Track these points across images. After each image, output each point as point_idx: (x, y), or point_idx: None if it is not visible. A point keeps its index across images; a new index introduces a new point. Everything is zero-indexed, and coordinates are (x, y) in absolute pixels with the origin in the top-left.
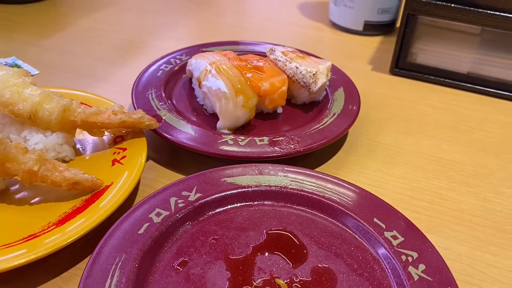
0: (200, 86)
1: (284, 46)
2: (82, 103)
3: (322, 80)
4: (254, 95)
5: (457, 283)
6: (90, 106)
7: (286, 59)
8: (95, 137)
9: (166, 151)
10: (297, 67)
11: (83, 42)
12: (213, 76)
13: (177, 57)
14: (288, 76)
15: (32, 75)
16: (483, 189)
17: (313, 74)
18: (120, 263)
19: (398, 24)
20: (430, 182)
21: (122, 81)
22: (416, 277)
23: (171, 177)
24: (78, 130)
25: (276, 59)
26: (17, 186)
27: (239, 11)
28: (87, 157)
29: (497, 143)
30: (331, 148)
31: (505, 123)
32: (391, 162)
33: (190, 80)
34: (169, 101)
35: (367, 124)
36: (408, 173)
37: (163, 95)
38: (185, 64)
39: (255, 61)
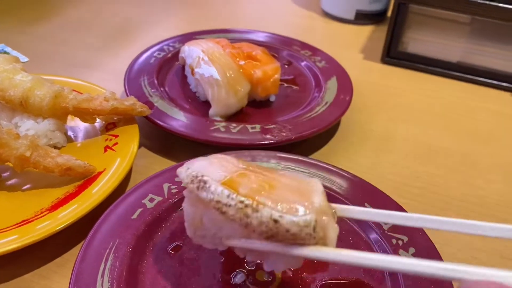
0: (192, 73)
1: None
2: (73, 90)
3: (333, 231)
4: (246, 83)
5: None
6: (81, 93)
7: (236, 202)
8: (87, 124)
9: (158, 138)
10: (275, 221)
11: (74, 30)
12: (205, 63)
13: (170, 44)
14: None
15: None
16: (471, 175)
17: (313, 229)
18: (114, 248)
19: (389, 13)
20: (420, 168)
21: (113, 69)
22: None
23: (163, 164)
24: (69, 117)
25: (220, 203)
26: (8, 173)
27: (231, 0)
28: (79, 144)
29: (486, 131)
30: (323, 136)
31: (494, 112)
32: (382, 149)
33: (183, 67)
34: (161, 88)
35: (358, 112)
36: (399, 160)
37: (156, 82)
38: (178, 52)
39: (248, 49)
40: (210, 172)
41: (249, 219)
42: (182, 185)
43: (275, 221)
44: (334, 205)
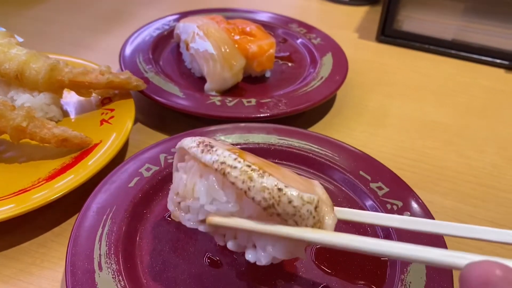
0: (187, 48)
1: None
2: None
3: (332, 220)
4: (241, 57)
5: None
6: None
7: (243, 165)
8: (83, 99)
9: (154, 114)
10: (280, 189)
11: (67, 11)
12: (200, 38)
13: (166, 22)
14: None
15: None
16: (466, 147)
17: (315, 208)
18: (111, 214)
19: None
20: (415, 141)
21: (108, 49)
22: None
23: (159, 138)
24: (65, 92)
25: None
26: (3, 146)
27: None
28: (75, 118)
29: (480, 106)
30: (319, 111)
31: (488, 88)
32: (377, 124)
33: (178, 45)
34: (156, 65)
35: (354, 89)
36: (394, 134)
37: (151, 58)
38: (173, 30)
39: (243, 25)
40: (217, 144)
41: (252, 182)
42: (179, 147)
43: (279, 189)
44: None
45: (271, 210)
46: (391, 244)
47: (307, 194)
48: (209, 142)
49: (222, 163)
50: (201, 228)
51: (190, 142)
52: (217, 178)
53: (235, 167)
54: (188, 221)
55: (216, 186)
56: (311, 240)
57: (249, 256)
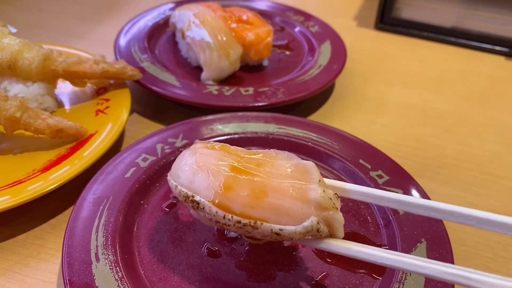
0: (183, 37)
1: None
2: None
3: (338, 222)
4: (238, 46)
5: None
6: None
7: (234, 222)
8: (78, 89)
9: (150, 104)
10: (277, 233)
11: (62, 1)
12: (196, 26)
13: (161, 11)
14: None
15: None
16: (466, 135)
17: (317, 230)
18: (108, 205)
19: None
20: (415, 129)
21: (102, 39)
22: (401, 212)
23: (155, 129)
24: (60, 82)
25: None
26: None
27: None
28: (70, 108)
29: (480, 94)
30: (318, 99)
31: (487, 75)
32: (377, 112)
33: (174, 34)
34: (152, 54)
35: (352, 77)
36: (393, 122)
37: (146, 47)
38: (169, 19)
39: (240, 13)
40: (198, 186)
41: (251, 233)
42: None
43: (277, 233)
44: (333, 182)
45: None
46: (401, 259)
47: (303, 225)
48: (193, 197)
49: (217, 222)
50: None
51: (178, 196)
52: None
53: (229, 225)
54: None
55: None
56: (320, 248)
57: None
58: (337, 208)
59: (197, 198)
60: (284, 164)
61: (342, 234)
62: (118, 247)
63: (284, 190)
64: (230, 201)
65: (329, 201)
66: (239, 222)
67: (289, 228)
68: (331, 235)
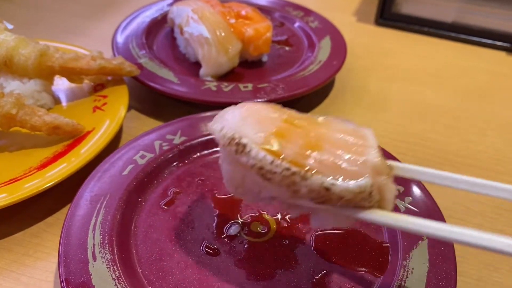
0: (181, 33)
1: None
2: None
3: (390, 192)
4: (237, 41)
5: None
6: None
7: (282, 169)
8: (75, 86)
9: (148, 101)
10: (327, 189)
11: None
12: (195, 22)
13: (159, 7)
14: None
15: None
16: (467, 131)
17: (369, 194)
18: (105, 202)
19: None
20: (416, 126)
21: (100, 35)
22: (403, 208)
23: (153, 125)
24: (56, 79)
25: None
26: None
27: None
28: (67, 105)
29: (481, 89)
30: (318, 95)
31: (488, 71)
32: (377, 108)
33: (172, 30)
34: (150, 50)
35: (353, 73)
36: (394, 118)
37: (144, 43)
38: (167, 15)
39: (239, 8)
40: (247, 131)
41: (297, 186)
42: (215, 138)
43: (327, 189)
44: (389, 162)
45: (325, 203)
46: (447, 228)
47: (358, 183)
48: (240, 139)
49: (260, 168)
50: (264, 202)
51: (221, 139)
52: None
53: (275, 172)
54: (250, 200)
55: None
56: (366, 220)
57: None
58: (391, 177)
59: (244, 140)
60: (341, 126)
61: (391, 205)
62: (115, 246)
63: (342, 146)
64: (282, 147)
65: (386, 166)
66: (288, 169)
67: (342, 184)
68: (379, 205)
